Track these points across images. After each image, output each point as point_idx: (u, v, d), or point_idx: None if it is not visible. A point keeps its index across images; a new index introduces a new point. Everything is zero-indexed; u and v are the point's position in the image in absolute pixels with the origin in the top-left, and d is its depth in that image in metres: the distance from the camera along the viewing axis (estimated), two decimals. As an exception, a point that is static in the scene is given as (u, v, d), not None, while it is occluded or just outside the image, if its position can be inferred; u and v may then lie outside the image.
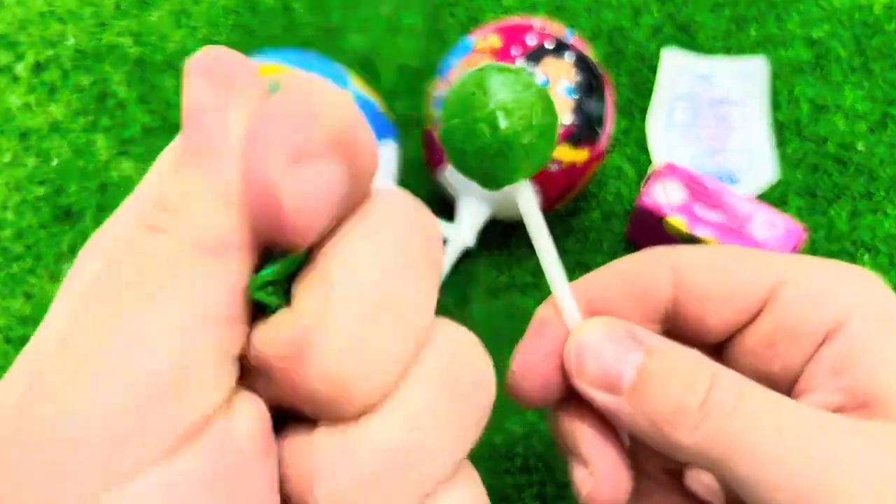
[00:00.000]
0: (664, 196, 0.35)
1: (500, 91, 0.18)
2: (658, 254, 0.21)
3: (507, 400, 0.35)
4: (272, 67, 0.33)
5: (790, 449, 0.16)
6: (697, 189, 0.36)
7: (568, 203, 0.38)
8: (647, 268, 0.21)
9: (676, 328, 0.21)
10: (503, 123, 0.17)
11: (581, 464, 0.20)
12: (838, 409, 0.18)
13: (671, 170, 0.36)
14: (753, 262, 0.20)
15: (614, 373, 0.18)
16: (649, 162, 0.41)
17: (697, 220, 0.35)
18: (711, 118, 0.43)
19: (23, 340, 0.36)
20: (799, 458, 0.16)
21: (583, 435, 0.20)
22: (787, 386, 0.20)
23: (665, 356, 0.18)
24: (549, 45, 0.33)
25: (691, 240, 0.35)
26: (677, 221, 0.35)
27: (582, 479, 0.19)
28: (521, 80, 0.18)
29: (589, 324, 0.20)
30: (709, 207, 0.35)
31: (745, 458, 0.16)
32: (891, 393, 0.17)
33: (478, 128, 0.18)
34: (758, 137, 0.42)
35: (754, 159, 0.41)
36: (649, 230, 0.36)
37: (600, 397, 0.19)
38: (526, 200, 0.20)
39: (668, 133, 0.42)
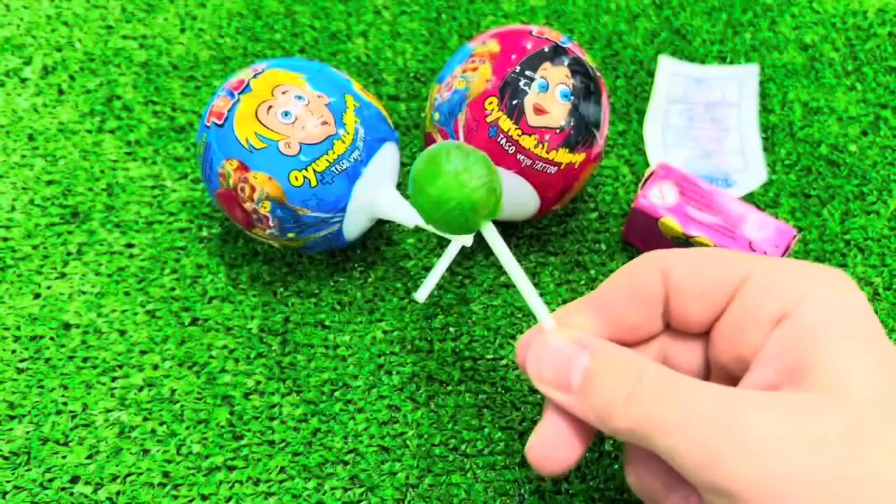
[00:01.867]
0: (660, 198, 0.36)
1: (456, 162, 0.23)
2: (650, 258, 0.24)
3: (506, 396, 0.36)
4: (277, 74, 0.33)
5: (695, 420, 0.20)
6: (691, 190, 0.36)
7: (566, 204, 0.38)
8: (642, 272, 0.24)
9: (673, 324, 0.25)
10: (465, 189, 0.23)
11: (537, 430, 0.24)
12: (773, 386, 0.21)
13: (666, 171, 0.37)
14: (725, 261, 0.23)
15: (565, 377, 0.23)
16: (645, 164, 0.42)
17: (691, 220, 0.35)
18: (707, 121, 0.43)
19: (30, 339, 0.36)
20: (701, 427, 0.20)
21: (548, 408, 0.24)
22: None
23: (603, 358, 0.22)
24: (546, 50, 0.34)
25: (686, 240, 0.35)
26: (671, 222, 0.35)
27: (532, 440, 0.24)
28: (467, 152, 0.23)
29: (547, 334, 0.24)
30: (702, 208, 0.36)
31: (662, 433, 0.20)
32: (818, 367, 0.20)
33: (446, 196, 0.23)
34: (752, 139, 0.42)
35: (749, 161, 0.42)
36: (645, 231, 0.37)
37: (557, 397, 0.23)
38: (491, 235, 0.25)
39: (664, 136, 0.43)
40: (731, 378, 0.24)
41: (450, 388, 0.35)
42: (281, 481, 0.33)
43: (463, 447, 0.34)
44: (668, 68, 0.45)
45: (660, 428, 0.20)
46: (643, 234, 0.38)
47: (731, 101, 0.44)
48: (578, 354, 0.23)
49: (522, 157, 0.33)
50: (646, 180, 0.37)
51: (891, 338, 0.37)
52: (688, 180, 0.36)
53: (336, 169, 0.32)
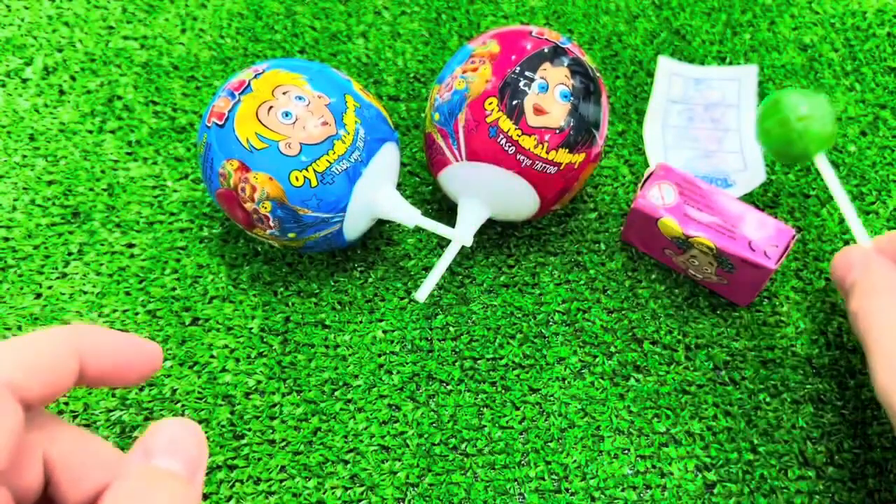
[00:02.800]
0: (659, 198, 0.36)
1: (800, 102, 0.34)
2: None
3: (505, 396, 0.36)
4: (277, 74, 0.33)
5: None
6: (690, 190, 0.36)
7: (565, 204, 0.39)
8: None
9: None
10: (801, 123, 0.34)
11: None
12: None
13: (666, 172, 0.37)
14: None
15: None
16: (645, 164, 0.42)
17: (690, 220, 0.35)
18: (707, 121, 0.44)
19: (33, 338, 0.37)
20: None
21: None
22: None
23: (871, 262, 0.31)
24: (546, 51, 0.34)
25: (685, 240, 0.35)
26: (671, 223, 0.35)
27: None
28: (811, 93, 0.34)
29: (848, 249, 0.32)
30: (702, 208, 0.36)
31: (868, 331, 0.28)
32: None
33: (788, 128, 0.34)
34: (752, 140, 0.43)
35: (748, 161, 0.42)
36: (644, 231, 0.37)
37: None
38: (822, 165, 0.34)
39: (663, 136, 0.43)
40: None
41: (450, 387, 0.36)
42: (281, 480, 0.33)
43: (463, 446, 0.34)
44: (668, 69, 0.45)
45: (867, 326, 0.29)
46: (642, 235, 0.38)
47: (731, 102, 0.44)
48: (857, 266, 0.31)
49: (522, 157, 0.33)
50: (645, 181, 0.37)
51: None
52: (687, 181, 0.36)
53: (336, 169, 0.32)
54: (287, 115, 0.32)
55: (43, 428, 0.22)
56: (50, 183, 0.41)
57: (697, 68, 0.45)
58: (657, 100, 0.44)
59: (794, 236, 0.35)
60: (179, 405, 0.35)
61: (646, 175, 0.37)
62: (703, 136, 0.43)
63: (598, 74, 0.36)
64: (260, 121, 0.32)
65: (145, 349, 0.24)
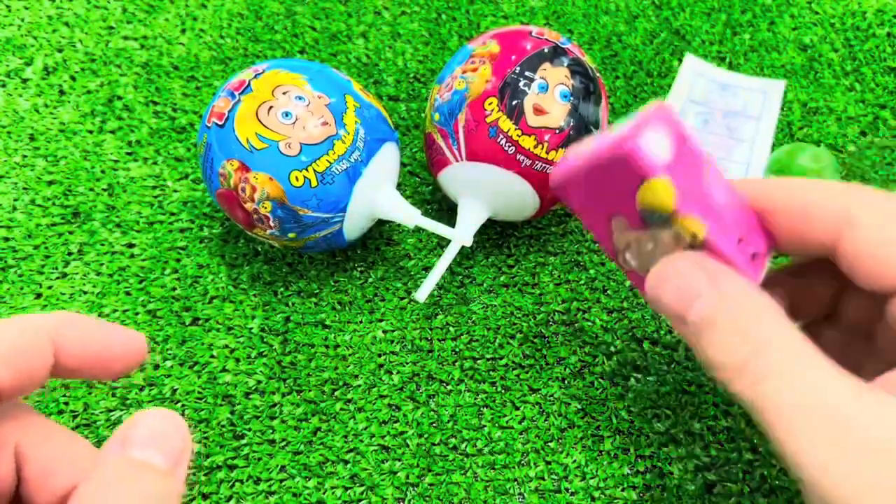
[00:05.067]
0: (659, 149, 0.23)
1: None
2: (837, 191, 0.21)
3: (505, 396, 0.36)
4: (277, 74, 0.33)
5: (815, 418, 0.18)
6: (685, 154, 0.23)
7: (565, 204, 0.39)
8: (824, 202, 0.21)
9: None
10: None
11: None
12: None
13: (663, 116, 0.23)
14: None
15: (683, 308, 0.21)
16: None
17: (688, 192, 0.23)
18: (723, 128, 0.43)
19: (33, 338, 0.37)
20: (819, 426, 0.18)
21: None
22: None
23: (728, 306, 0.20)
24: (546, 51, 0.34)
25: (664, 217, 0.23)
26: (665, 187, 0.22)
27: None
28: (817, 152, 0.38)
29: (683, 255, 0.21)
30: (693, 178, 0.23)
31: (775, 419, 0.19)
32: None
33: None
34: (760, 153, 0.42)
35: (751, 173, 0.42)
36: (604, 185, 0.24)
37: (671, 318, 0.21)
38: None
39: None
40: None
41: (450, 387, 0.36)
42: (281, 480, 0.33)
43: (463, 446, 0.34)
44: (693, 68, 0.45)
45: (773, 412, 0.18)
46: (594, 188, 0.25)
47: (752, 113, 0.43)
48: (703, 290, 0.20)
49: (522, 157, 0.33)
50: (636, 123, 0.23)
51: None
52: (685, 139, 0.23)
53: (336, 169, 0.32)
54: (287, 115, 0.32)
55: (16, 419, 0.21)
56: (50, 183, 0.41)
57: (725, 73, 0.45)
58: (676, 98, 0.44)
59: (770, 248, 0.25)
60: (179, 405, 0.35)
61: (635, 117, 0.24)
62: (714, 141, 0.43)
63: (597, 74, 0.36)
64: (260, 121, 0.32)
65: (128, 338, 0.23)
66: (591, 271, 0.39)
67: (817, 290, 0.25)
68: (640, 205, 0.23)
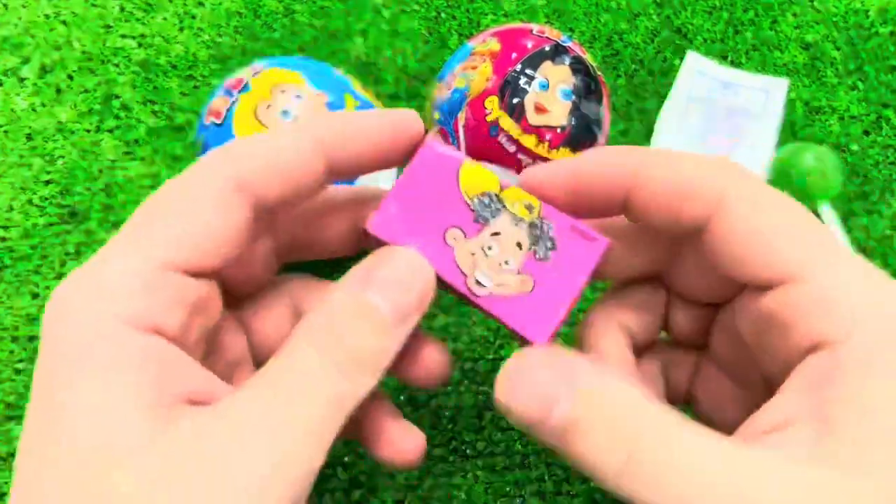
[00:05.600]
0: (450, 148, 0.22)
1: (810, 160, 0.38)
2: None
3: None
4: (275, 73, 0.33)
5: (702, 497, 0.16)
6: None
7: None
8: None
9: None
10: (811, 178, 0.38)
11: None
12: (790, 423, 0.17)
13: (436, 146, 0.22)
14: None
15: (542, 415, 0.18)
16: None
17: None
18: (724, 127, 0.43)
19: (29, 339, 0.36)
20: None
21: None
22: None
23: (595, 406, 0.18)
24: (547, 49, 0.34)
25: (495, 198, 0.22)
26: (480, 168, 0.22)
27: None
28: (820, 152, 0.39)
29: (526, 353, 0.19)
30: None
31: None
32: (868, 430, 0.16)
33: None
34: (762, 153, 0.42)
35: (752, 170, 0.41)
36: (423, 200, 0.22)
37: (526, 426, 0.19)
38: (826, 214, 0.38)
39: (676, 134, 0.43)
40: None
41: (450, 388, 0.35)
42: (280, 483, 0.33)
43: (463, 448, 0.34)
44: (695, 66, 0.45)
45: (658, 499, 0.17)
46: (415, 208, 0.22)
47: (754, 112, 0.43)
48: (561, 393, 0.18)
49: (523, 156, 0.33)
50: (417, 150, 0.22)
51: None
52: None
53: (335, 168, 0.32)
54: (285, 114, 0.32)
55: (276, 240, 0.22)
56: (47, 182, 0.41)
57: (728, 71, 0.45)
58: (678, 96, 0.44)
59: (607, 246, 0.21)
60: (177, 407, 0.35)
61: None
62: (715, 140, 0.43)
63: (599, 73, 0.36)
64: (258, 119, 0.32)
65: (400, 119, 0.21)
66: (593, 271, 0.38)
67: (651, 307, 0.24)
68: (467, 196, 0.22)
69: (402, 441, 0.23)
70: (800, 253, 0.18)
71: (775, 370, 0.19)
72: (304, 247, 0.24)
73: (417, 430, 0.24)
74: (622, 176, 0.20)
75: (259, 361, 0.23)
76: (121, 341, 0.17)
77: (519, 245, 0.21)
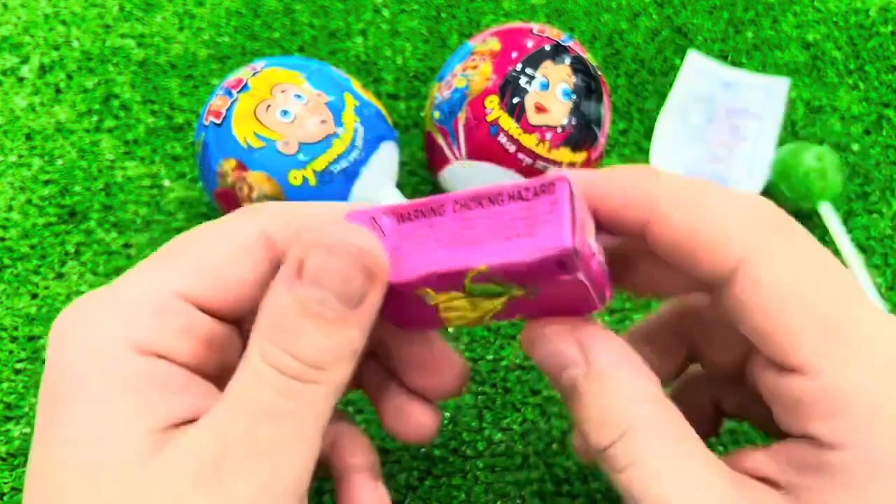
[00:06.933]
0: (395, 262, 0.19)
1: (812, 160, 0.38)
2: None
3: (506, 398, 0.36)
4: (275, 72, 0.33)
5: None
6: (411, 212, 0.20)
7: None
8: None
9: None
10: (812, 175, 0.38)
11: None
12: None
13: (356, 215, 0.19)
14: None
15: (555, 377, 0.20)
16: (647, 163, 0.42)
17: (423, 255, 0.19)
18: (726, 126, 0.43)
19: (28, 340, 0.36)
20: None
21: None
22: None
23: (595, 387, 0.19)
24: (547, 49, 0.34)
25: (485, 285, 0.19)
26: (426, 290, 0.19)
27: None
28: (821, 151, 0.38)
29: (543, 329, 0.20)
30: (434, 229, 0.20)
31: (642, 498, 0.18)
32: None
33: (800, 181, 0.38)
34: (764, 152, 0.42)
35: (753, 170, 0.41)
36: (408, 310, 0.20)
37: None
38: (826, 214, 0.38)
39: (677, 134, 0.42)
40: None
41: (450, 388, 0.35)
42: (280, 483, 0.33)
43: (463, 449, 0.34)
44: (696, 65, 0.45)
45: (639, 493, 0.18)
46: (404, 315, 0.21)
47: (755, 111, 0.43)
48: (573, 361, 0.19)
49: (523, 155, 0.33)
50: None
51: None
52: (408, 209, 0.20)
53: (335, 168, 0.32)
54: (285, 114, 0.32)
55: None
56: (46, 182, 0.41)
57: (729, 70, 0.45)
58: (679, 95, 0.43)
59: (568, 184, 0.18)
60: (177, 407, 0.35)
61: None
62: (717, 140, 0.42)
63: (599, 72, 0.35)
64: (258, 119, 0.32)
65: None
66: (593, 271, 0.38)
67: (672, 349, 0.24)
68: (427, 304, 0.20)
69: (420, 413, 0.24)
70: (820, 345, 0.17)
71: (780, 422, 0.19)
72: None
73: (433, 405, 0.24)
74: (641, 209, 0.19)
75: None
76: (121, 363, 0.17)
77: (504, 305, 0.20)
